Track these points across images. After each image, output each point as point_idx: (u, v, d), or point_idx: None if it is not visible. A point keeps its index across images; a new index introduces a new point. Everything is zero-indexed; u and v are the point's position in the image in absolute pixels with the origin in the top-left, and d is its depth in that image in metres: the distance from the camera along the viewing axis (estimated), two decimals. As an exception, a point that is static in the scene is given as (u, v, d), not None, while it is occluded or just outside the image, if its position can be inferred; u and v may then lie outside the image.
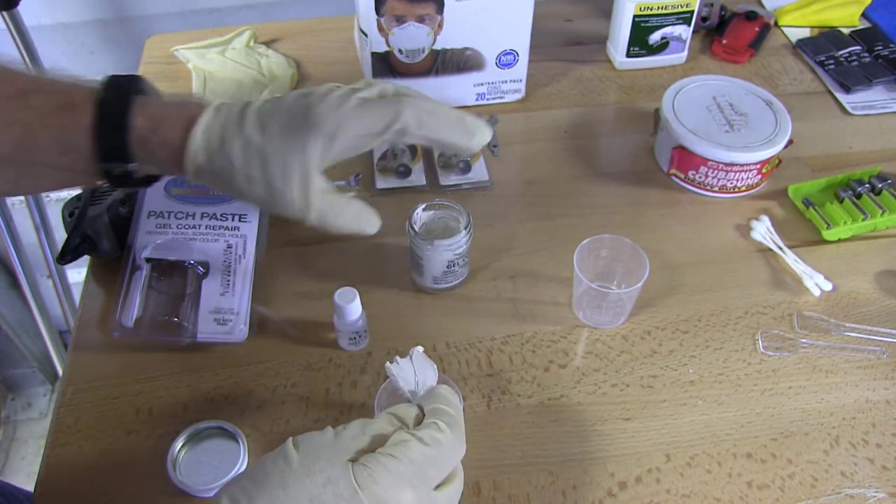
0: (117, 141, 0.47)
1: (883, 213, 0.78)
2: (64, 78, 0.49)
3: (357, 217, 0.52)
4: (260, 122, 0.48)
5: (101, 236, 0.70)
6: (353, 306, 0.63)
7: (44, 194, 1.20)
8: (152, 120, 0.48)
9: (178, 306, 0.66)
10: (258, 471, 0.40)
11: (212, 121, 0.48)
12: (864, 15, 1.08)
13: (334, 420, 0.63)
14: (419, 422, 0.45)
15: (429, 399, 0.46)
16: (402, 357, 0.50)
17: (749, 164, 0.78)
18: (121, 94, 0.48)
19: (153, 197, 0.71)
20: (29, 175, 0.50)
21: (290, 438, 0.42)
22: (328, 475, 0.40)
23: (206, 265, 0.68)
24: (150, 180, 0.53)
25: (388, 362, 0.50)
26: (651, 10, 0.94)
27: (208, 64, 0.97)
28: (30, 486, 0.63)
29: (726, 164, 0.78)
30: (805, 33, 1.06)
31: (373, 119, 0.48)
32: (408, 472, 0.41)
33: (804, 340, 0.69)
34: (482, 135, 0.54)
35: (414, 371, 0.50)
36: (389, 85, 0.51)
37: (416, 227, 0.69)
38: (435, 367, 0.51)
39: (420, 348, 0.51)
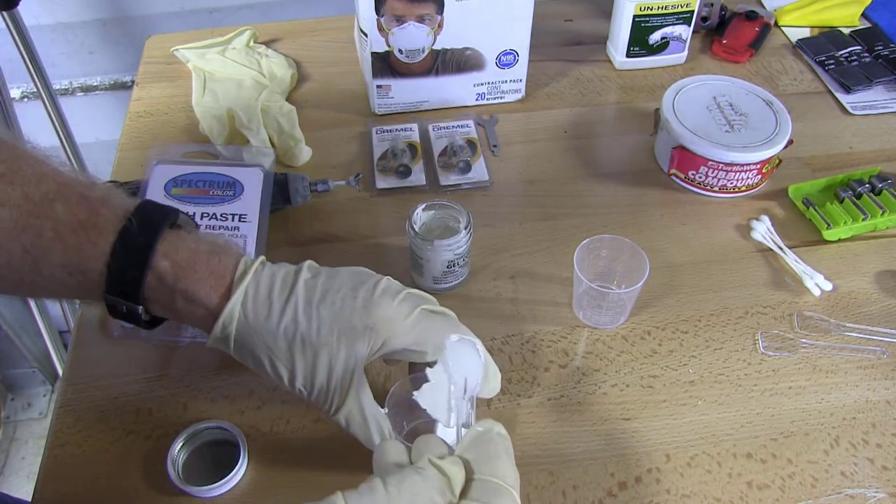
0: (131, 279, 0.43)
1: (883, 213, 0.78)
2: (96, 189, 0.45)
3: (374, 433, 0.48)
4: (307, 301, 0.44)
5: (101, 236, 0.70)
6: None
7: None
8: (178, 267, 0.44)
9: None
10: None
11: (253, 292, 0.44)
12: (864, 15, 1.08)
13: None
14: (463, 487, 0.37)
15: (479, 454, 0.38)
16: (430, 366, 0.48)
17: (749, 164, 0.78)
18: (148, 226, 0.44)
19: (153, 197, 0.71)
20: (32, 285, 0.45)
21: (341, 494, 0.36)
22: None
23: (206, 265, 0.68)
24: (156, 322, 0.48)
25: (414, 390, 0.48)
26: (651, 10, 0.94)
27: (208, 64, 0.97)
28: (30, 487, 0.63)
29: (726, 164, 0.78)
30: (805, 33, 1.06)
31: (431, 335, 0.47)
32: None
33: (804, 340, 0.69)
34: (496, 384, 0.53)
35: (449, 385, 0.47)
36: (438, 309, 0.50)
37: (416, 227, 0.69)
38: (478, 356, 0.48)
39: (454, 337, 0.48)
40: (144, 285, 0.44)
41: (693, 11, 0.95)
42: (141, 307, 0.45)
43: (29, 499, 0.58)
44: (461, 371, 0.48)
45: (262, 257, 0.48)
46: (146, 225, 0.44)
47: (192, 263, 0.44)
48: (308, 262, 0.48)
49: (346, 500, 0.35)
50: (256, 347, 0.44)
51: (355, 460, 0.60)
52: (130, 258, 0.43)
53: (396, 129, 0.89)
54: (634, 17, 0.94)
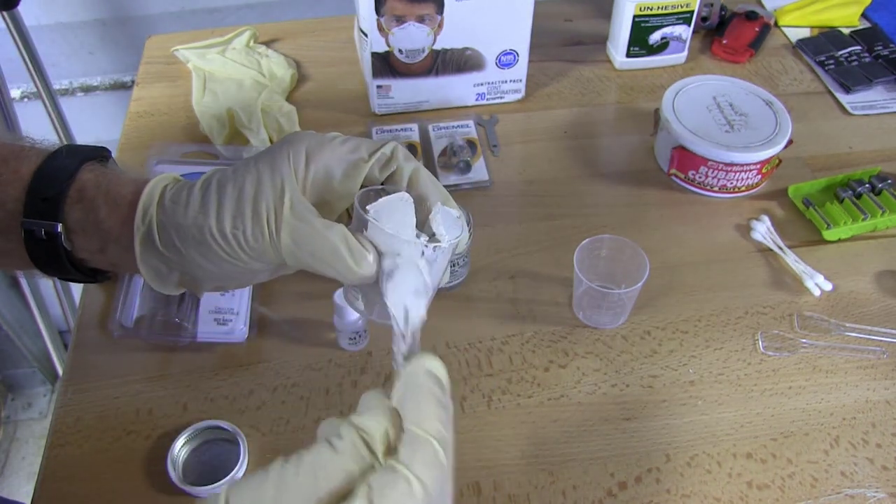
0: (52, 192, 0.40)
1: (883, 213, 0.78)
2: (27, 139, 0.43)
3: (339, 248, 0.38)
4: (223, 166, 0.41)
5: (101, 236, 0.70)
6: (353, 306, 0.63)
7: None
8: (102, 175, 0.41)
9: (178, 306, 0.66)
10: None
11: (172, 181, 0.41)
12: (864, 15, 1.08)
13: (334, 420, 0.63)
14: (389, 446, 0.33)
15: (409, 404, 0.34)
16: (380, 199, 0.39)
17: (749, 164, 0.78)
18: (76, 152, 0.42)
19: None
20: None
21: (225, 488, 0.31)
22: None
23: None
24: (79, 270, 0.43)
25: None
26: (651, 10, 0.94)
27: (208, 64, 0.97)
28: (30, 487, 0.63)
29: (726, 164, 0.78)
30: (805, 33, 1.06)
31: (360, 142, 0.41)
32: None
33: (804, 340, 0.69)
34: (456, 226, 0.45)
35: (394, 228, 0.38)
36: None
37: None
38: (459, 222, 0.41)
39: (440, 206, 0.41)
40: (66, 200, 0.40)
41: (693, 11, 0.95)
42: (60, 225, 0.40)
43: (29, 499, 0.58)
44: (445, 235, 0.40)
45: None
46: (75, 150, 0.42)
47: (116, 175, 0.42)
48: None
49: (227, 498, 0.30)
50: (179, 218, 0.39)
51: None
52: (54, 176, 0.40)
53: (396, 129, 0.89)
54: (634, 17, 0.94)
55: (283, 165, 0.39)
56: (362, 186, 0.42)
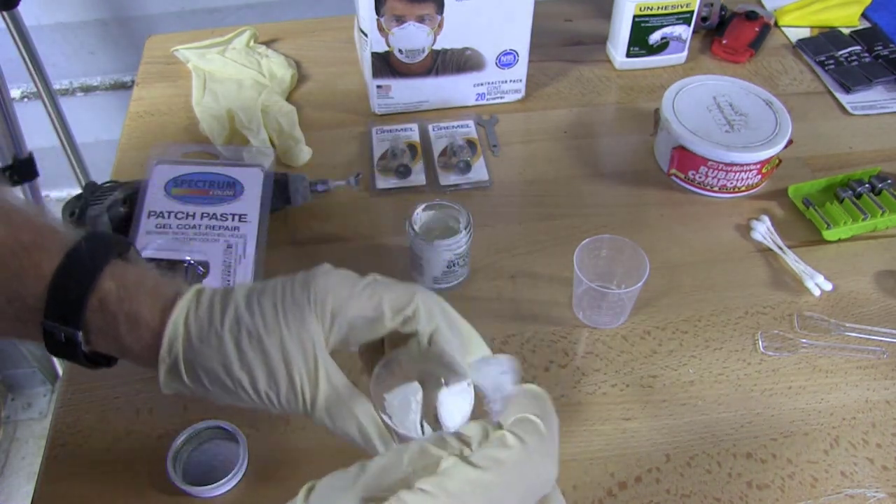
0: (73, 299, 0.40)
1: (883, 213, 0.78)
2: (43, 215, 0.43)
3: (368, 430, 0.41)
4: (248, 299, 0.41)
5: (101, 236, 0.70)
6: None
7: (44, 193, 1.20)
8: (124, 287, 0.41)
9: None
10: None
11: (193, 303, 0.41)
12: (864, 15, 1.08)
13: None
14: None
15: (510, 407, 0.36)
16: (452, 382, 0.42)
17: (749, 164, 0.78)
18: (98, 249, 0.41)
19: (153, 197, 0.71)
20: None
21: (307, 485, 0.34)
22: None
23: (206, 265, 0.68)
24: (96, 361, 0.44)
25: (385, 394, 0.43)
26: (651, 10, 0.94)
27: (208, 64, 0.97)
28: (30, 487, 0.63)
29: (726, 164, 0.78)
30: (805, 33, 1.06)
31: (383, 298, 0.42)
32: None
33: (804, 340, 0.69)
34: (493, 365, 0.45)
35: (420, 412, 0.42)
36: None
37: (416, 227, 0.69)
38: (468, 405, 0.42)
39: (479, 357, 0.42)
40: (87, 308, 0.40)
41: (693, 11, 0.95)
42: (80, 333, 0.41)
43: (29, 499, 0.58)
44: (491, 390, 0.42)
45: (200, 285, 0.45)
46: (96, 248, 0.41)
47: (138, 286, 0.41)
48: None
49: (308, 487, 0.33)
50: (207, 360, 0.40)
51: (355, 459, 0.60)
52: (75, 278, 0.40)
53: (396, 129, 0.89)
54: (634, 17, 0.94)
55: (311, 325, 0.40)
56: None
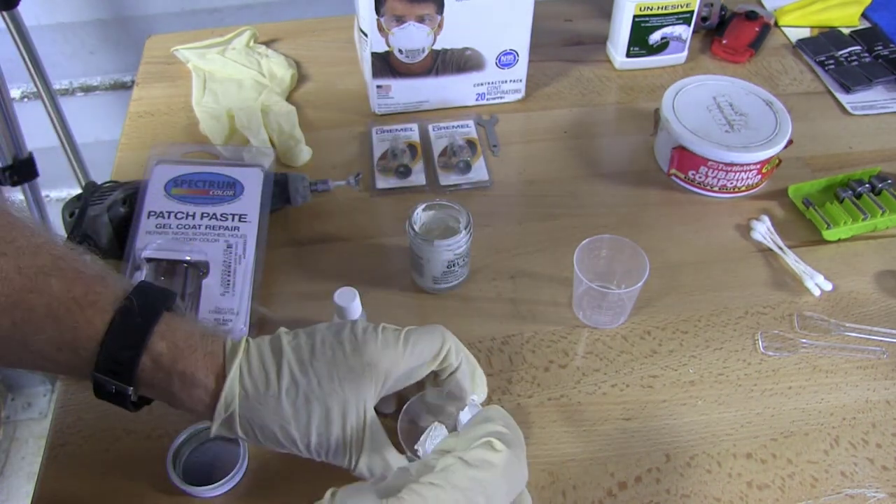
0: (126, 359, 0.42)
1: (883, 213, 0.78)
2: (91, 265, 0.44)
3: (389, 459, 0.47)
4: (300, 361, 0.44)
5: (102, 236, 0.70)
6: (353, 306, 0.63)
7: (44, 193, 1.20)
8: (175, 347, 0.43)
9: (178, 306, 0.66)
10: None
11: (245, 363, 0.44)
12: (864, 15, 1.08)
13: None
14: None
15: (478, 423, 0.42)
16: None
17: (749, 164, 0.78)
18: (147, 306, 0.43)
19: (153, 197, 0.71)
20: (17, 359, 0.43)
21: (330, 490, 0.39)
22: None
23: (206, 265, 0.68)
24: (141, 404, 0.46)
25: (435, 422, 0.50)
26: (651, 10, 0.94)
27: (208, 64, 0.97)
28: (30, 487, 0.63)
29: (726, 164, 0.78)
30: (805, 33, 1.06)
31: (423, 349, 0.47)
32: (450, 501, 0.36)
33: (804, 340, 0.69)
34: (482, 390, 0.55)
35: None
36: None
37: (416, 228, 0.69)
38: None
39: (466, 411, 0.51)
40: (139, 366, 0.42)
41: (693, 11, 0.95)
42: (132, 388, 0.43)
43: (29, 499, 0.58)
44: None
45: (244, 336, 0.48)
46: (145, 305, 0.43)
47: (189, 345, 0.43)
48: (281, 329, 0.48)
49: (332, 492, 0.38)
50: (264, 418, 0.43)
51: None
52: (127, 338, 0.42)
53: (396, 129, 0.89)
54: (634, 17, 0.94)
55: (366, 390, 0.45)
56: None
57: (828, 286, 0.73)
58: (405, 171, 0.83)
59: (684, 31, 0.97)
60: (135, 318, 0.42)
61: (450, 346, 0.49)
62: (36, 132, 1.13)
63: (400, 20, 0.83)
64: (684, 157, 0.81)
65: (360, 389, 0.44)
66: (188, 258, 0.68)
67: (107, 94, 1.25)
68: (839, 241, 0.77)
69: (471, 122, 0.90)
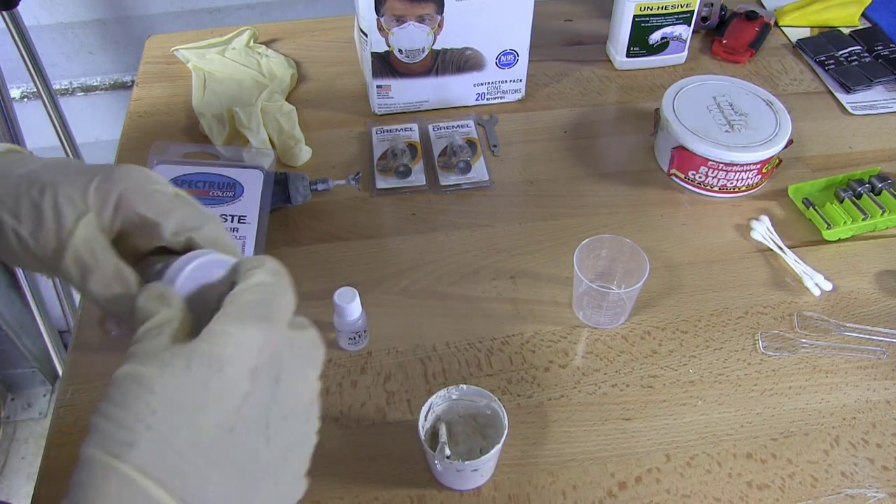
0: None
1: (883, 213, 0.78)
2: None
3: (114, 278, 0.37)
4: (49, 161, 0.39)
5: (101, 236, 0.70)
6: (353, 306, 0.63)
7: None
8: None
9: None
10: None
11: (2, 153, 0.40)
12: (864, 15, 1.08)
13: (334, 420, 0.63)
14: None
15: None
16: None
17: (749, 164, 0.78)
18: None
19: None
20: None
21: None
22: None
23: (205, 265, 0.68)
24: None
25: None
26: (651, 10, 0.94)
27: (208, 64, 0.97)
28: (30, 487, 0.63)
29: (726, 164, 0.78)
30: (805, 33, 1.06)
31: (176, 213, 0.39)
32: (245, 312, 0.32)
33: (804, 340, 0.69)
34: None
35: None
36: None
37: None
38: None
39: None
40: None
41: (693, 11, 0.95)
42: None
43: (29, 499, 0.58)
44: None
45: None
46: None
47: None
48: None
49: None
50: None
51: (356, 460, 0.60)
52: None
53: (396, 129, 0.89)
54: (634, 17, 0.94)
55: (86, 185, 0.38)
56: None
57: (828, 286, 0.73)
58: (405, 171, 0.83)
59: (684, 31, 0.97)
60: None
61: (206, 235, 0.39)
62: (36, 132, 1.12)
63: (400, 20, 0.83)
64: (684, 157, 0.81)
65: (80, 182, 0.38)
66: (188, 258, 0.68)
67: (107, 94, 1.25)
68: (839, 241, 0.77)
69: (471, 122, 0.90)
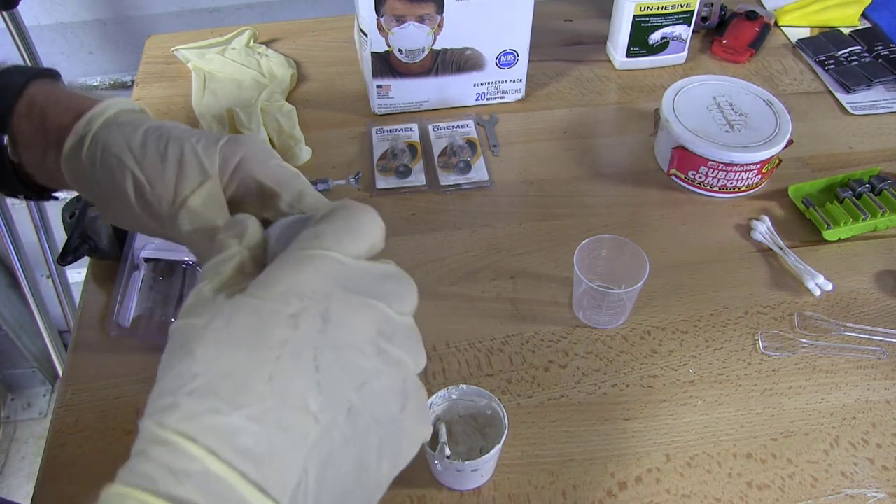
0: (2, 105, 0.42)
1: (883, 213, 0.78)
2: None
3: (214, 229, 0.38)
4: (177, 124, 0.41)
5: (101, 237, 0.70)
6: None
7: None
8: (52, 93, 0.42)
9: (175, 306, 0.66)
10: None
11: (127, 103, 0.42)
12: (864, 15, 1.08)
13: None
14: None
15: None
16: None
17: (749, 164, 0.78)
18: (26, 72, 0.43)
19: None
20: None
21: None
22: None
23: (205, 265, 0.68)
24: (25, 186, 0.45)
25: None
26: (651, 10, 0.94)
27: (208, 64, 0.97)
28: (30, 487, 0.63)
29: (726, 164, 0.78)
30: (805, 33, 1.06)
31: (300, 185, 0.39)
32: (295, 254, 0.31)
33: (804, 340, 0.69)
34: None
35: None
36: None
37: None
38: None
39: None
40: (14, 114, 0.42)
41: (693, 11, 0.95)
42: (7, 138, 0.42)
43: (29, 499, 0.58)
44: None
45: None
46: (23, 70, 0.43)
47: (67, 95, 0.42)
48: None
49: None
50: (115, 143, 0.39)
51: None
52: (4, 87, 0.42)
53: (396, 129, 0.89)
54: (634, 17, 0.94)
55: (211, 144, 0.39)
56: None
57: (828, 286, 0.73)
58: (405, 171, 0.83)
59: (684, 31, 0.97)
60: (12, 78, 0.42)
61: (327, 211, 0.36)
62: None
63: (400, 20, 0.83)
64: (684, 157, 0.81)
65: (207, 140, 0.39)
66: (187, 259, 0.68)
67: (107, 94, 1.25)
68: (839, 241, 0.77)
69: (471, 122, 0.90)
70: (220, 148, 0.39)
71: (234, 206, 0.39)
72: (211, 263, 0.33)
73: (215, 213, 0.38)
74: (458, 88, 0.92)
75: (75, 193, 0.73)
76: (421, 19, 0.83)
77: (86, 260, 0.74)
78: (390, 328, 0.32)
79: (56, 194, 0.48)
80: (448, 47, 0.87)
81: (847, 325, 0.70)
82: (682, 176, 0.83)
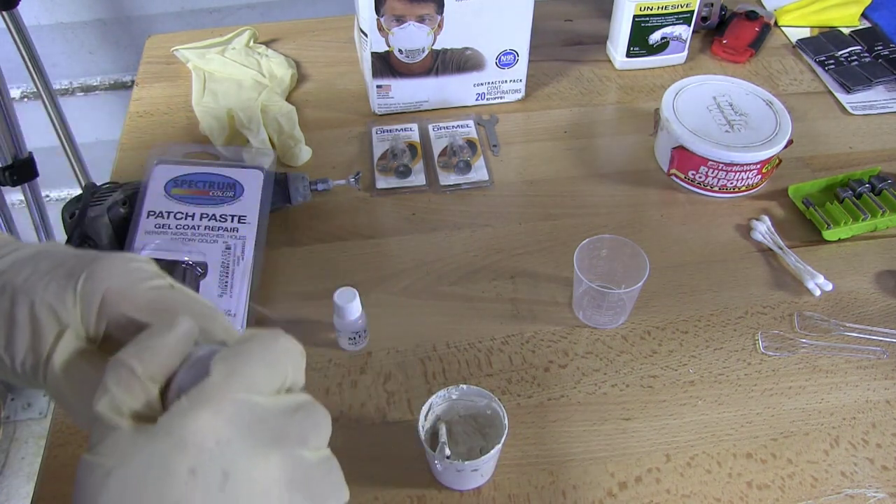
0: None
1: (883, 213, 0.78)
2: None
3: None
4: (26, 258, 0.35)
5: (101, 237, 0.70)
6: (353, 306, 0.63)
7: (44, 193, 1.20)
8: None
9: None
10: None
11: None
12: (864, 15, 1.08)
13: (334, 421, 0.63)
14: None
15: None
16: None
17: (749, 164, 0.78)
18: None
19: (153, 197, 0.71)
20: None
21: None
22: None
23: (204, 266, 0.68)
24: None
25: None
26: (651, 10, 0.94)
27: (208, 64, 0.97)
28: (30, 487, 0.63)
29: (726, 164, 0.78)
30: (805, 33, 1.06)
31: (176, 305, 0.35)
32: (193, 398, 0.28)
33: (804, 340, 0.69)
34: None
35: None
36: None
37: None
38: None
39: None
40: None
41: (693, 11, 0.95)
42: None
43: (29, 499, 0.58)
44: None
45: None
46: None
47: None
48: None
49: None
50: None
51: (356, 460, 0.60)
52: None
53: (396, 129, 0.89)
54: (634, 17, 0.94)
55: (66, 286, 0.35)
56: None
57: (828, 286, 0.73)
58: (405, 171, 0.83)
59: (684, 31, 0.97)
60: None
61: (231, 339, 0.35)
62: (36, 132, 1.13)
63: (400, 20, 0.83)
64: (684, 157, 0.81)
65: (59, 283, 0.34)
66: (187, 259, 0.68)
67: (107, 94, 1.25)
68: (839, 241, 0.77)
69: (471, 122, 0.90)
70: (79, 290, 0.34)
71: (115, 343, 0.34)
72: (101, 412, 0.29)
73: (82, 368, 0.33)
74: (458, 88, 0.92)
75: (78, 191, 0.73)
76: (421, 19, 0.83)
77: (86, 260, 0.73)
78: (302, 472, 0.30)
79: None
80: (448, 47, 0.87)
81: (847, 325, 0.70)
82: (682, 176, 0.83)
